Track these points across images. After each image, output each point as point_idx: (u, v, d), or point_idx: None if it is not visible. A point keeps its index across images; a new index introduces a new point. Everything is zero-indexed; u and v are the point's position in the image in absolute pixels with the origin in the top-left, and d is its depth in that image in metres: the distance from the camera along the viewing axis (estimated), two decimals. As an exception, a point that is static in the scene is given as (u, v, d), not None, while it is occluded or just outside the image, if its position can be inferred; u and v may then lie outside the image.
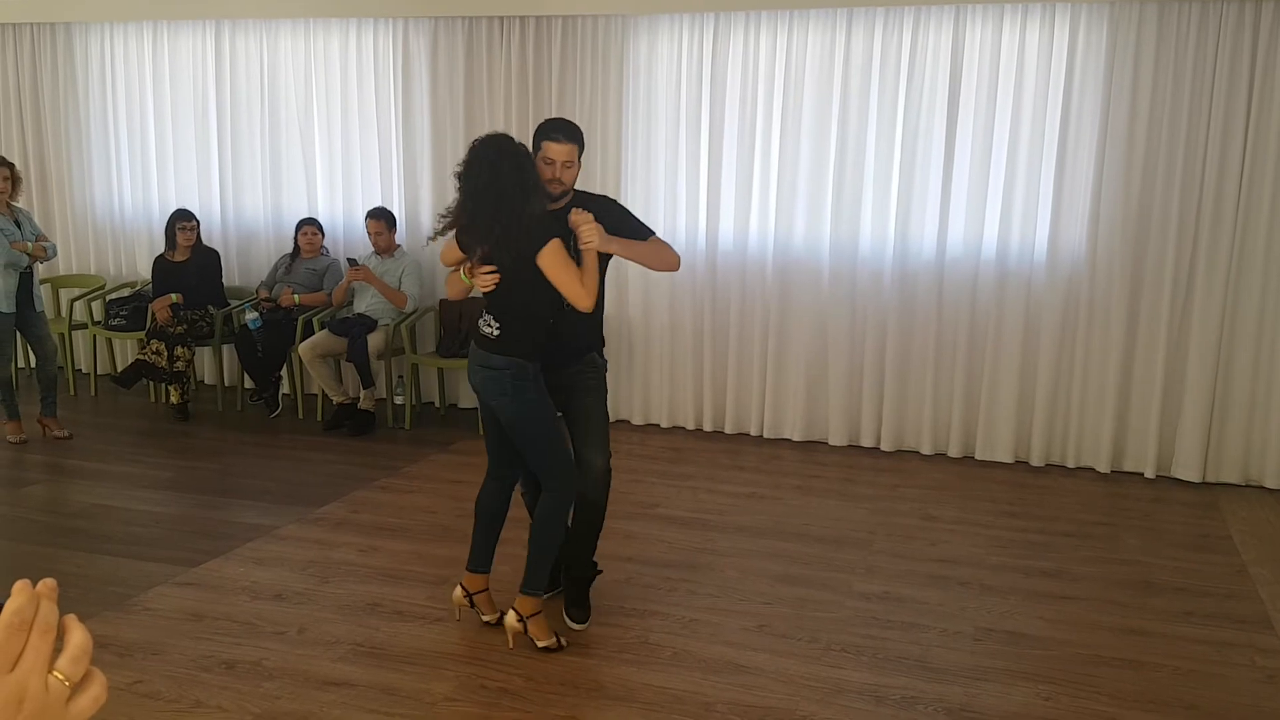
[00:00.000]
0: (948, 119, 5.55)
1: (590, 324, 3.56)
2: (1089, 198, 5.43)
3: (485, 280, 3.32)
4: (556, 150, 3.34)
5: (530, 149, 3.38)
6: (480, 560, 3.62)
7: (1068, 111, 5.40)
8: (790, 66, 5.77)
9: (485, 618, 3.61)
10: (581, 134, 3.44)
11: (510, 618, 3.44)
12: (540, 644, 3.43)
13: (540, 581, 3.46)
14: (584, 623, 3.65)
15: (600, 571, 3.78)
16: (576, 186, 3.50)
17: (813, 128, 5.81)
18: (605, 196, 3.66)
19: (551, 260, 3.24)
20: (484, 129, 6.41)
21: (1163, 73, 5.23)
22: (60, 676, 0.69)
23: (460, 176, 3.33)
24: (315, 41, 6.73)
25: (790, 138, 5.83)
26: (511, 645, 3.43)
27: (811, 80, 5.77)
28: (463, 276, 3.42)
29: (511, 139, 3.33)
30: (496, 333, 3.34)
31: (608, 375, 3.69)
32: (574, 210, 3.36)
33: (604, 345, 3.68)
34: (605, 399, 3.64)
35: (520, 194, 3.22)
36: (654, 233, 3.61)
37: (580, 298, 3.29)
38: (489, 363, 3.35)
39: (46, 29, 7.29)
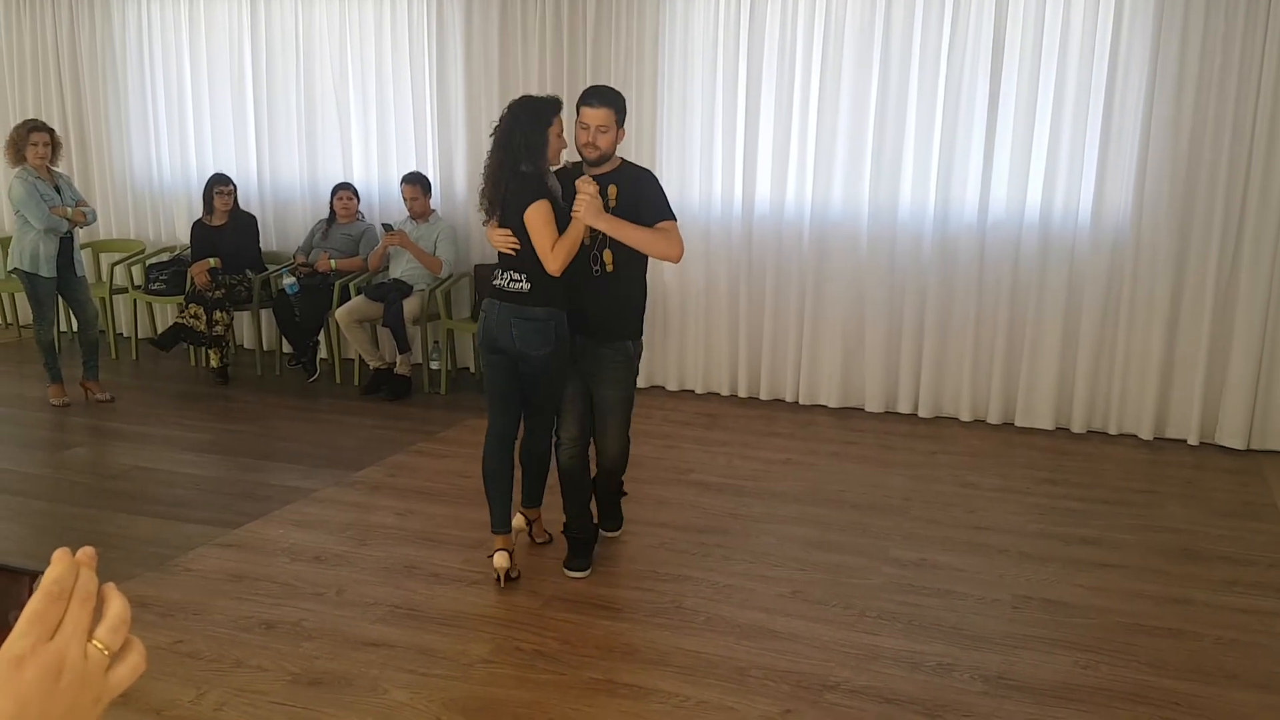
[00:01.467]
0: (991, 79, 5.43)
1: (634, 307, 3.74)
2: (1135, 160, 5.31)
3: (504, 243, 3.52)
4: (590, 115, 3.47)
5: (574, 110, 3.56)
6: (503, 521, 3.73)
7: (1114, 71, 5.27)
8: (830, 24, 5.67)
9: (540, 540, 4.06)
10: (619, 98, 3.54)
11: (518, 519, 3.95)
12: (539, 539, 4.05)
13: (539, 496, 4.00)
14: (618, 529, 4.16)
15: (626, 493, 4.19)
16: (628, 158, 3.67)
17: (852, 88, 5.71)
18: (648, 171, 3.70)
19: (532, 217, 3.43)
20: (518, 93, 6.36)
21: (1212, 29, 5.08)
22: (99, 645, 0.68)
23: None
24: (350, 5, 6.70)
25: (829, 98, 5.74)
26: (530, 540, 4.00)
27: (851, 38, 5.66)
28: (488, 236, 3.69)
29: (535, 101, 3.55)
30: (528, 287, 3.51)
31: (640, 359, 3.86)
32: (583, 177, 3.50)
33: (640, 333, 3.78)
34: (634, 390, 3.83)
35: (523, 154, 3.46)
36: (673, 218, 3.59)
37: (546, 259, 3.43)
38: (528, 315, 3.51)
39: (84, -6, 7.33)
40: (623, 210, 3.51)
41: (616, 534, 4.14)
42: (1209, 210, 5.23)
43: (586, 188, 3.42)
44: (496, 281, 3.61)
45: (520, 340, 3.53)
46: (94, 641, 0.68)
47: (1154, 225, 5.34)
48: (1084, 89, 5.34)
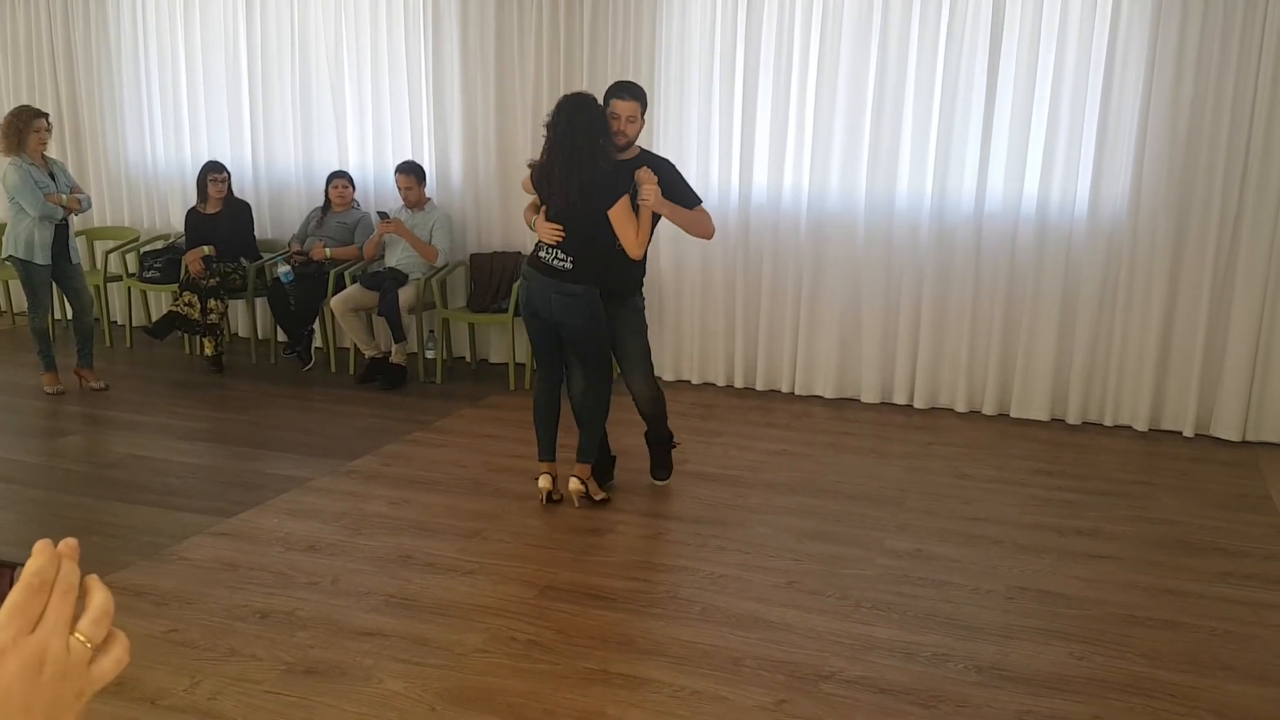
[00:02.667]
0: (988, 69, 5.42)
1: (637, 270, 4.21)
2: (1132, 150, 5.30)
3: (551, 235, 3.98)
4: (621, 107, 3.98)
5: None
6: (548, 451, 4.33)
7: (1112, 62, 5.25)
8: (827, 13, 5.65)
9: (598, 498, 4.33)
10: (644, 93, 4.06)
11: (574, 483, 4.26)
12: (597, 497, 4.29)
13: (592, 452, 4.29)
14: (667, 479, 4.57)
15: (678, 443, 4.61)
16: (645, 147, 4.20)
17: (849, 78, 5.69)
18: (667, 160, 4.22)
19: (619, 214, 3.94)
20: (515, 81, 6.41)
21: (1211, 22, 5.06)
22: (82, 638, 0.67)
23: (546, 127, 4.00)
24: (345, -8, 6.67)
25: (826, 88, 5.72)
26: (577, 505, 4.26)
27: (849, 28, 5.64)
28: (530, 225, 4.18)
29: (589, 97, 3.99)
30: (570, 266, 4.00)
31: (646, 311, 4.40)
32: (643, 168, 3.98)
33: (642, 288, 4.36)
34: (647, 335, 4.33)
35: (589, 150, 3.87)
36: (701, 201, 4.22)
37: (633, 247, 3.99)
38: (567, 290, 4.03)
39: (78, -20, 7.29)
40: None
41: (666, 482, 4.55)
42: (1206, 202, 5.22)
43: (651, 176, 3.94)
44: (541, 254, 4.06)
45: (559, 312, 4.06)
46: (76, 634, 0.67)
47: (1151, 217, 5.33)
48: (1081, 80, 5.33)
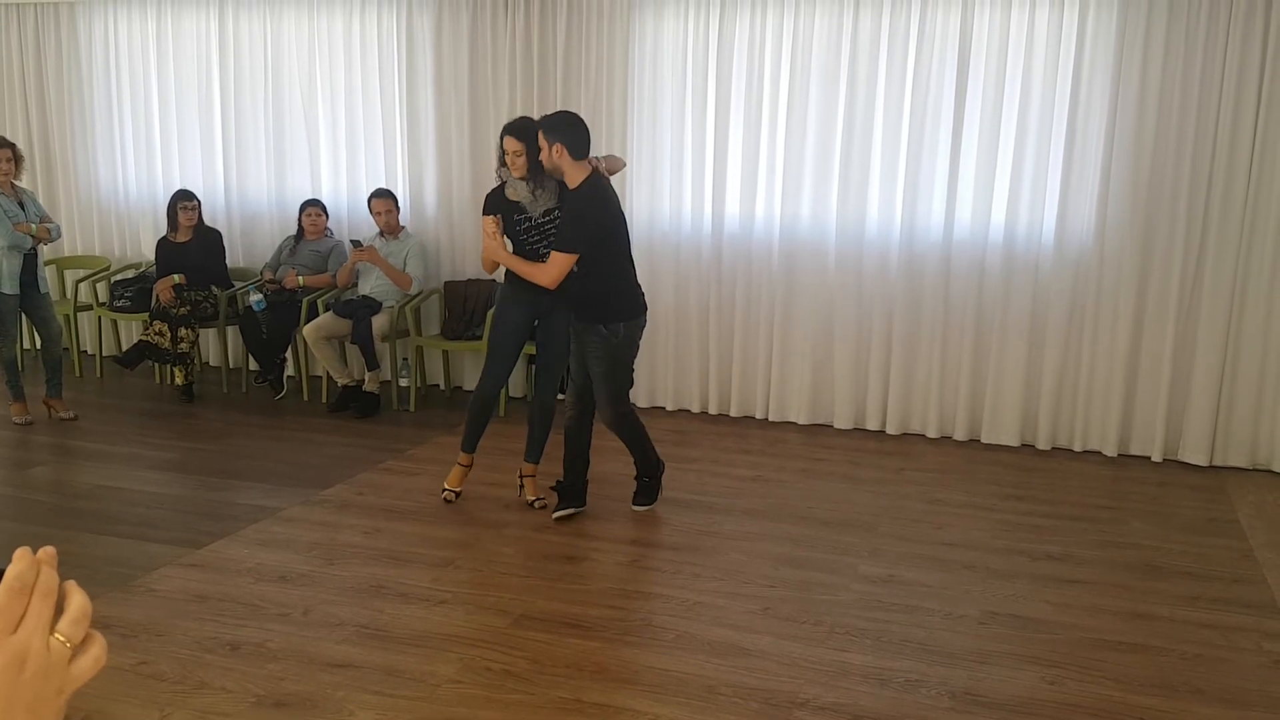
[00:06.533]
0: (956, 100, 5.50)
1: (594, 295, 4.27)
2: (1098, 180, 5.39)
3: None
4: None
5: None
6: (533, 453, 4.63)
7: (1077, 93, 5.35)
8: (797, 46, 5.73)
9: (529, 498, 4.63)
10: (527, 126, 4.19)
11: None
12: (529, 498, 4.60)
13: (534, 454, 4.62)
14: (646, 506, 4.64)
15: (662, 469, 4.66)
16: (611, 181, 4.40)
17: (820, 108, 5.76)
18: (580, 205, 4.12)
19: (485, 224, 4.33)
20: (489, 109, 6.44)
21: (1173, 53, 5.17)
22: (61, 638, 0.71)
23: None
24: (319, 21, 6.69)
25: (797, 119, 5.79)
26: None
27: (819, 60, 5.72)
28: None
29: (507, 125, 4.32)
30: None
31: (619, 345, 4.35)
32: (487, 218, 4.28)
33: (612, 320, 4.29)
34: (609, 367, 4.32)
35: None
36: (567, 249, 4.12)
37: (483, 257, 4.40)
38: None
39: (50, 9, 7.27)
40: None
41: (645, 509, 4.62)
42: (1171, 230, 5.31)
43: (487, 229, 4.26)
44: None
45: None
46: (56, 634, 0.71)
47: (1117, 244, 5.42)
48: (1047, 110, 5.42)
